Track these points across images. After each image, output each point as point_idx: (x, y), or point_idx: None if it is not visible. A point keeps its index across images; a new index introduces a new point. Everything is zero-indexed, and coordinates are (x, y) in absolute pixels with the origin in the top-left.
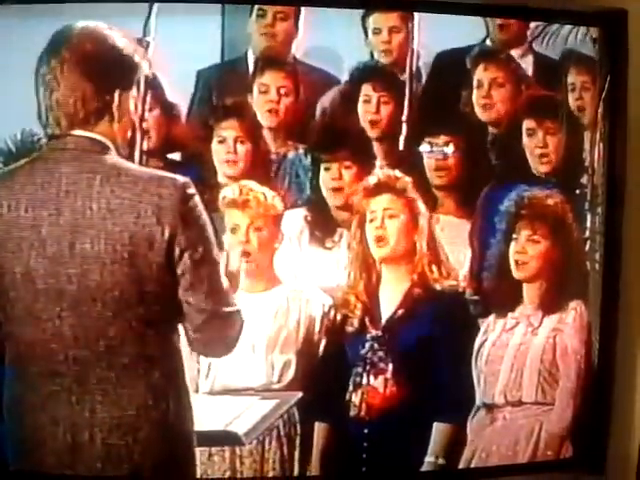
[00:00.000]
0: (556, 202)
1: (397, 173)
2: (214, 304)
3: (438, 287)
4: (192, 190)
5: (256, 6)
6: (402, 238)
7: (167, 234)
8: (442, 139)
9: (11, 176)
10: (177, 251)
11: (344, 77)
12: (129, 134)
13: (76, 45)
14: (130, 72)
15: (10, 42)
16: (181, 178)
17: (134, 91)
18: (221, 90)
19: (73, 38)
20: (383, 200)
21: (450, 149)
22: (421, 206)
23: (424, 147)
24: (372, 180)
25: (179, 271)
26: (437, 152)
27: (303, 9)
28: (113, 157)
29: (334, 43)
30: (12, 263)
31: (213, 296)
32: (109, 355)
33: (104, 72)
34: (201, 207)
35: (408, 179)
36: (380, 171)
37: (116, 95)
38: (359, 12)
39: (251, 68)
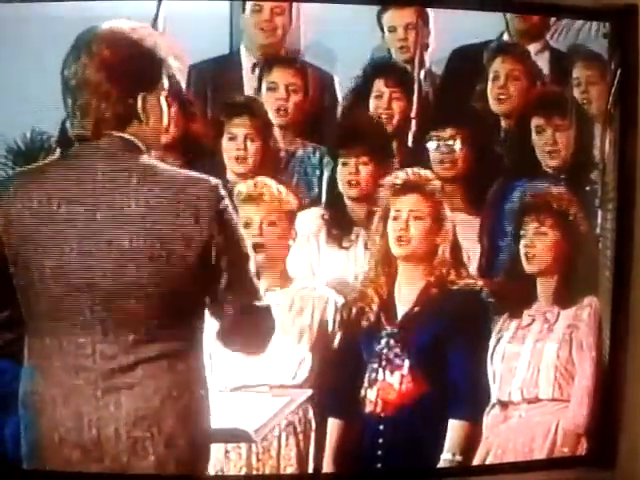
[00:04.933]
0: (560, 192)
1: (428, 174)
2: (250, 300)
3: (455, 287)
4: (224, 191)
5: (250, 2)
6: (424, 240)
7: (205, 234)
8: (453, 134)
9: (42, 172)
10: (214, 251)
11: (352, 73)
12: (158, 134)
13: (104, 49)
14: (155, 72)
15: (17, 43)
16: (213, 179)
17: (159, 90)
18: (218, 86)
19: (99, 41)
20: (410, 200)
21: (462, 144)
22: (447, 210)
23: (435, 142)
24: (401, 177)
25: (217, 271)
26: (448, 147)
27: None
28: (145, 157)
29: (339, 39)
30: (42, 257)
31: (250, 292)
32: (137, 349)
33: (131, 74)
34: (231, 207)
35: (438, 182)
36: (409, 170)
37: (142, 96)
38: (369, 8)
39: (244, 64)
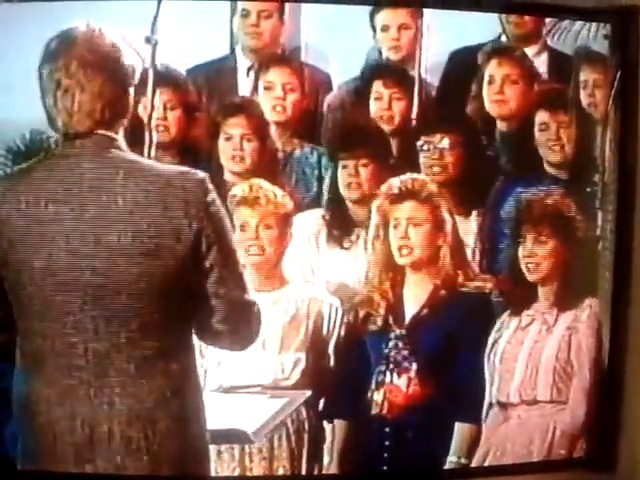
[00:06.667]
0: (556, 200)
1: (423, 178)
2: (240, 293)
3: (464, 289)
4: (211, 185)
5: (240, 4)
6: (426, 246)
7: (194, 227)
8: (451, 136)
9: (28, 173)
10: (204, 244)
11: (350, 74)
12: (139, 132)
13: (85, 48)
14: (139, 71)
15: (17, 42)
16: (200, 173)
17: (143, 90)
18: (215, 88)
19: (81, 41)
20: (407, 208)
21: (460, 146)
22: (445, 212)
23: (433, 144)
24: (396, 185)
25: (207, 264)
26: (445, 149)
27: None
28: (130, 154)
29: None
30: (31, 258)
31: (240, 286)
32: (129, 347)
33: (111, 72)
34: (219, 201)
35: (433, 186)
36: (404, 177)
37: (128, 94)
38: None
39: (240, 66)
